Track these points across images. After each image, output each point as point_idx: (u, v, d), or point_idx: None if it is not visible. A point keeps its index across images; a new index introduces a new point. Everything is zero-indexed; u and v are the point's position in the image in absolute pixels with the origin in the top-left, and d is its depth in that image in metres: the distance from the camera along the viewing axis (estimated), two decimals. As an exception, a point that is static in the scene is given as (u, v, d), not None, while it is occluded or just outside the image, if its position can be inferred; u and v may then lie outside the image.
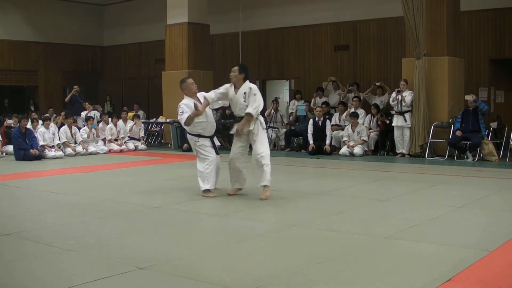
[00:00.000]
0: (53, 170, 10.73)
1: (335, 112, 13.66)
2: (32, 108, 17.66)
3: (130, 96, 19.41)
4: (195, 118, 6.88)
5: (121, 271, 4.00)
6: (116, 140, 14.36)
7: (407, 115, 11.71)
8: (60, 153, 12.57)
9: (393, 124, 11.94)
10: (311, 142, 12.55)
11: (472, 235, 5.08)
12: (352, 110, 12.76)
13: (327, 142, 12.49)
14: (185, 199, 6.98)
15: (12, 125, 13.46)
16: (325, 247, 4.67)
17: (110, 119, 14.57)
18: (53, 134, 12.80)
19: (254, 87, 6.86)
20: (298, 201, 6.88)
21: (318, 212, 6.19)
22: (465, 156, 11.08)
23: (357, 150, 12.04)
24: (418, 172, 9.66)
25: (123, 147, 14.24)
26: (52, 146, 12.61)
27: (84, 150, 13.19)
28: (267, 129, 13.98)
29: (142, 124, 15.41)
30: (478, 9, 13.07)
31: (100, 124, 14.48)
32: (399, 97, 11.71)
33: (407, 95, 11.68)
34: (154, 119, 16.81)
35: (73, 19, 20.12)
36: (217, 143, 7.45)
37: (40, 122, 13.26)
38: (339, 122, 13.20)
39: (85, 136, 13.56)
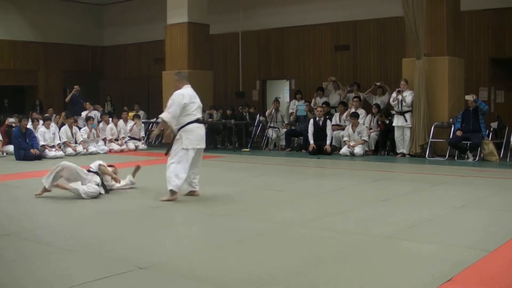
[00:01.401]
0: (53, 170, 10.71)
1: (336, 112, 13.66)
2: (38, 109, 17.62)
3: (130, 96, 19.39)
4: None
5: (121, 271, 4.00)
6: (116, 140, 14.39)
7: (407, 115, 11.71)
8: (60, 153, 12.57)
9: (393, 124, 11.93)
10: (311, 142, 12.55)
11: (472, 235, 5.08)
12: (353, 110, 12.76)
13: (328, 142, 12.49)
14: (185, 199, 6.98)
15: (13, 124, 13.45)
16: (325, 247, 4.66)
17: (110, 119, 14.60)
18: (54, 134, 12.81)
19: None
20: (298, 201, 6.88)
21: (318, 212, 6.18)
22: (466, 156, 11.08)
23: (358, 150, 12.04)
24: (418, 172, 9.65)
25: (124, 147, 14.27)
26: (53, 146, 12.62)
27: (85, 150, 13.21)
28: (267, 128, 14.24)
29: (143, 124, 15.44)
30: (478, 9, 13.06)
31: (101, 124, 14.50)
32: (400, 97, 11.71)
33: (408, 95, 11.68)
34: (155, 119, 16.78)
35: (73, 19, 20.12)
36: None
37: (41, 122, 13.26)
38: (340, 122, 13.19)
39: (85, 136, 13.57)
